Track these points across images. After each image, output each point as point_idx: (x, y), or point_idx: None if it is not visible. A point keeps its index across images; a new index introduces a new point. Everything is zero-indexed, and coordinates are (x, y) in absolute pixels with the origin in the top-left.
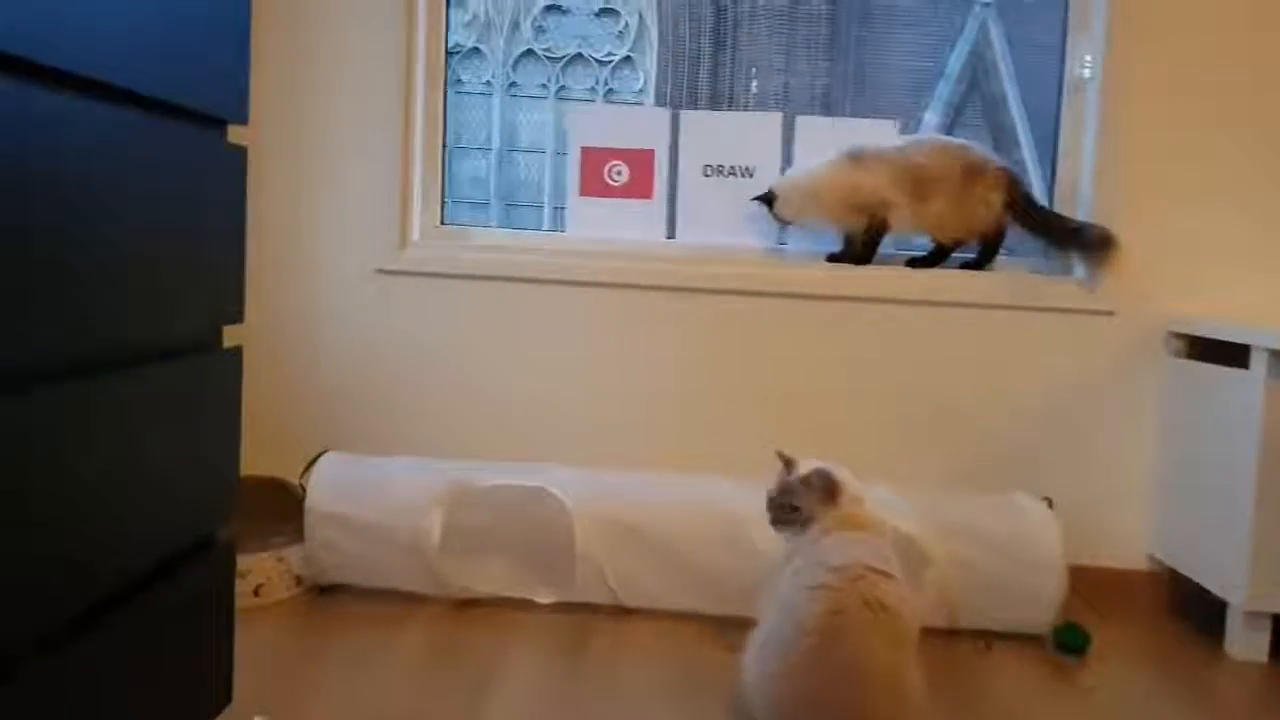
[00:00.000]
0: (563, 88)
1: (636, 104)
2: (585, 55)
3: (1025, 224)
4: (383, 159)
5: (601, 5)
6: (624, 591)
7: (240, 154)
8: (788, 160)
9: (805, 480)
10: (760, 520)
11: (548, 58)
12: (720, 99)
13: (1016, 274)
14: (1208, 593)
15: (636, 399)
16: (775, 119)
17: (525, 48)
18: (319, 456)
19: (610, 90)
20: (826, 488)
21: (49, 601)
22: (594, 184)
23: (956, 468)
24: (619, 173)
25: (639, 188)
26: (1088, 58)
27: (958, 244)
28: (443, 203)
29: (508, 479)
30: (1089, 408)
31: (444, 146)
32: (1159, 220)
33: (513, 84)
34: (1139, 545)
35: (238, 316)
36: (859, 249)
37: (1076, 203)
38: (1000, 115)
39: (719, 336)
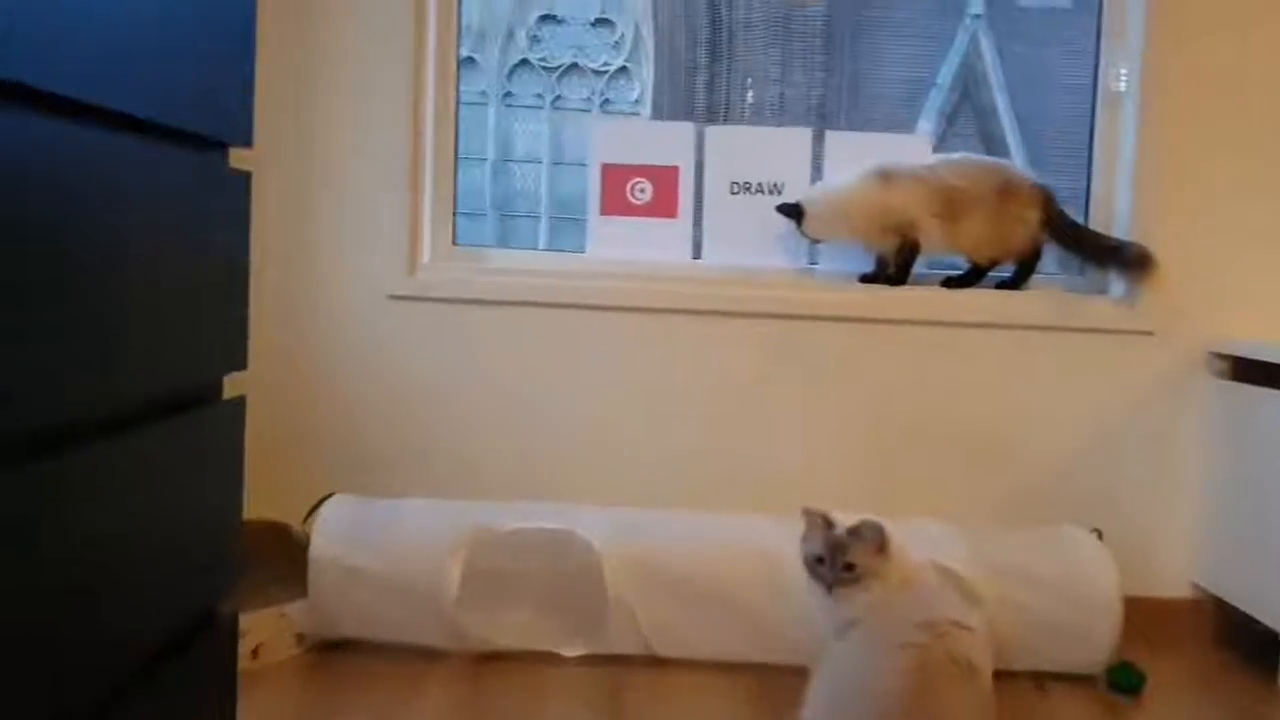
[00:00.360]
0: (559, 98)
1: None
2: (581, 65)
3: (1062, 242)
4: (391, 176)
5: (597, 15)
6: (658, 640)
7: (244, 179)
8: (818, 176)
9: (855, 533)
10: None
11: (543, 68)
12: (717, 109)
13: (1054, 293)
14: (1257, 622)
15: (665, 430)
16: (805, 134)
17: (520, 57)
18: (324, 499)
19: (607, 101)
20: (879, 540)
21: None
22: (616, 202)
23: (997, 495)
24: (642, 190)
25: (663, 206)
26: (1123, 70)
27: (994, 264)
28: (454, 222)
29: (531, 521)
30: (1130, 430)
31: (456, 163)
32: (1198, 237)
33: (508, 94)
34: (1182, 573)
35: (241, 363)
36: (892, 270)
37: (1112, 220)
38: (991, 124)
39: (749, 362)
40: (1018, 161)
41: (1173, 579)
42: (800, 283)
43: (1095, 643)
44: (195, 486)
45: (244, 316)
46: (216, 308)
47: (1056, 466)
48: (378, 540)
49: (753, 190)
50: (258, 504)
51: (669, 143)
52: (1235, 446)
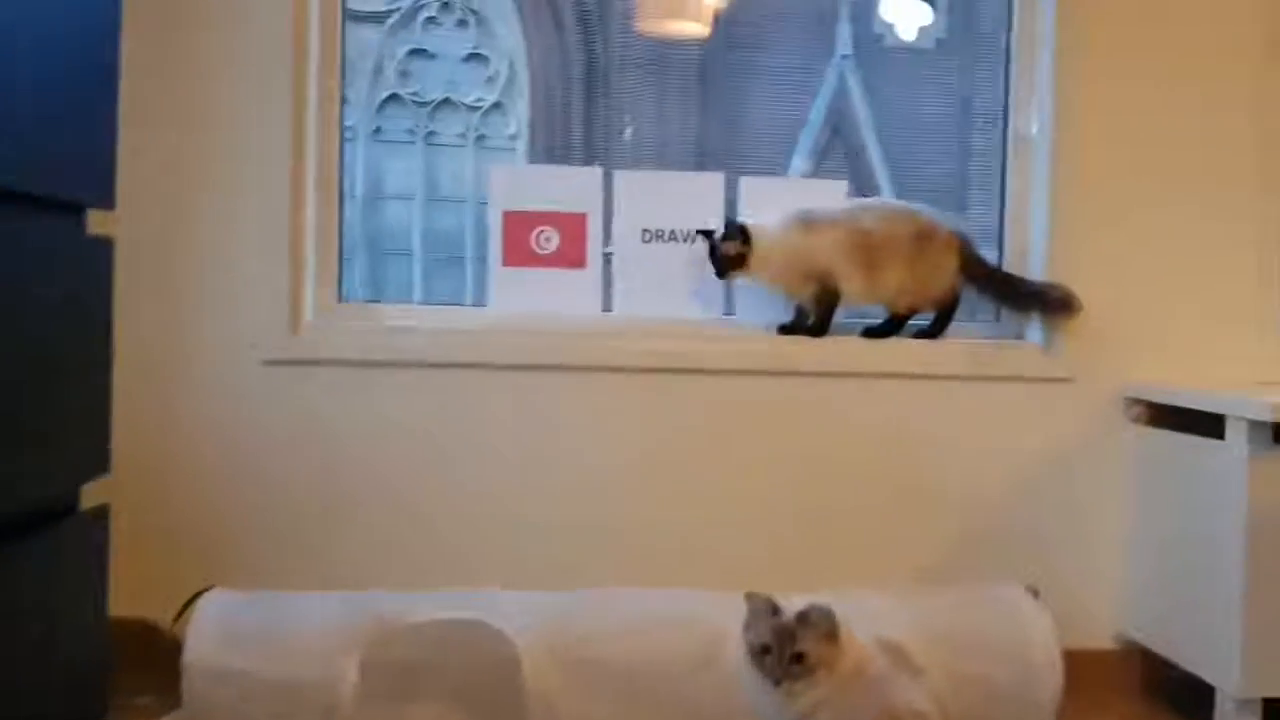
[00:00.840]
0: (431, 133)
1: (510, 149)
2: (454, 100)
3: (982, 288)
4: (268, 224)
5: (469, 51)
6: None
7: (105, 246)
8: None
9: (804, 619)
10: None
11: (414, 102)
12: (595, 146)
13: (973, 342)
14: (1186, 674)
15: (581, 501)
16: (717, 179)
17: (390, 92)
18: (199, 594)
19: (481, 136)
20: (829, 626)
21: None
22: (519, 252)
23: (923, 551)
24: (548, 239)
25: (571, 255)
26: (1035, 114)
27: (913, 312)
28: (340, 275)
29: (437, 611)
30: (1052, 479)
31: (341, 209)
32: (1114, 281)
33: (377, 129)
34: (1109, 623)
35: (103, 466)
36: (814, 320)
37: (1027, 265)
38: (860, 162)
39: (666, 421)
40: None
41: (1099, 630)
42: (717, 334)
43: (1039, 707)
44: (55, 600)
45: (105, 409)
46: (75, 404)
47: (981, 518)
48: (261, 640)
49: (665, 238)
50: (121, 600)
51: (576, 188)
52: (1155, 493)
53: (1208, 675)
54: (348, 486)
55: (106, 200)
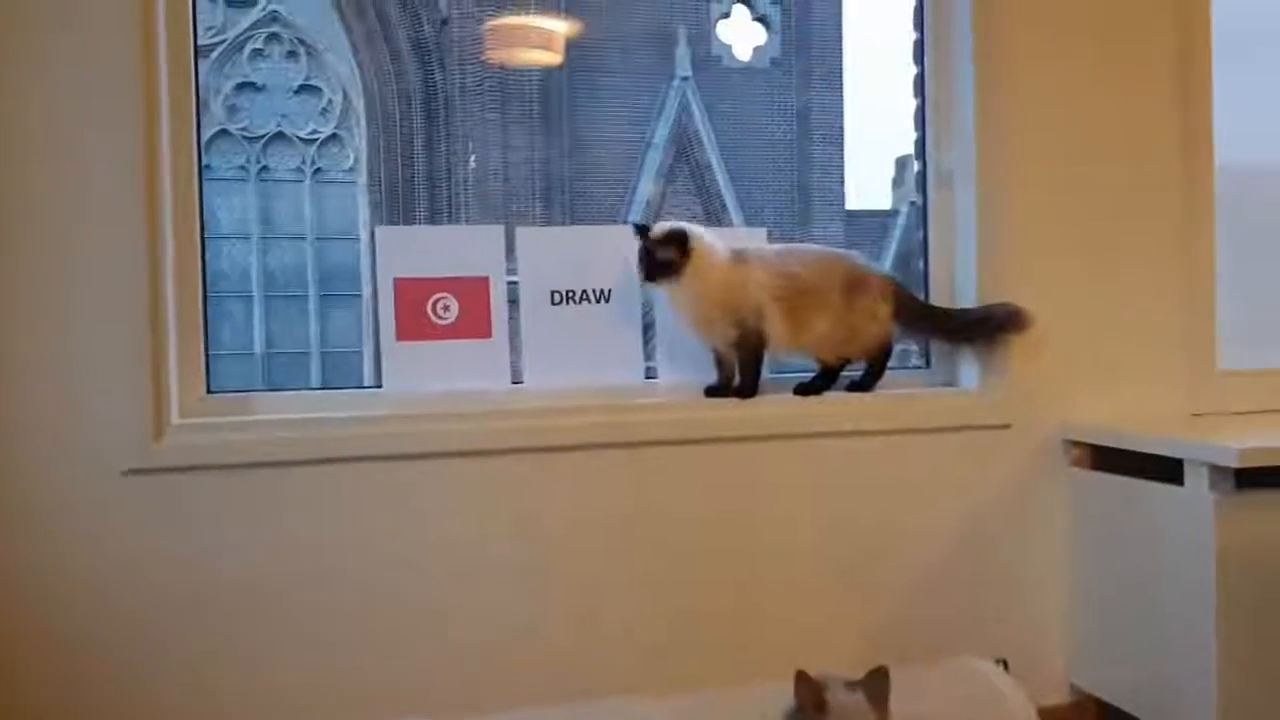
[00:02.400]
0: (264, 168)
1: (349, 183)
2: (287, 134)
3: (920, 330)
4: (122, 313)
5: (300, 83)
6: None
7: None
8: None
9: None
10: None
11: (245, 138)
12: (438, 175)
13: (907, 393)
14: None
15: (494, 609)
16: (627, 231)
17: (219, 128)
18: None
19: (319, 169)
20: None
21: None
22: (415, 324)
23: (867, 619)
24: (446, 308)
25: (473, 325)
26: (954, 150)
27: (845, 362)
28: (207, 366)
29: None
30: (995, 529)
31: (204, 287)
32: (1047, 322)
33: (206, 166)
34: (1057, 676)
35: None
36: (743, 377)
37: (954, 304)
38: (706, 180)
39: (591, 499)
40: (735, 214)
41: (1052, 684)
42: (640, 404)
43: None
44: None
45: None
46: None
47: (925, 577)
48: None
49: (577, 299)
50: None
51: (473, 249)
52: (1103, 540)
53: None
54: (224, 610)
55: None
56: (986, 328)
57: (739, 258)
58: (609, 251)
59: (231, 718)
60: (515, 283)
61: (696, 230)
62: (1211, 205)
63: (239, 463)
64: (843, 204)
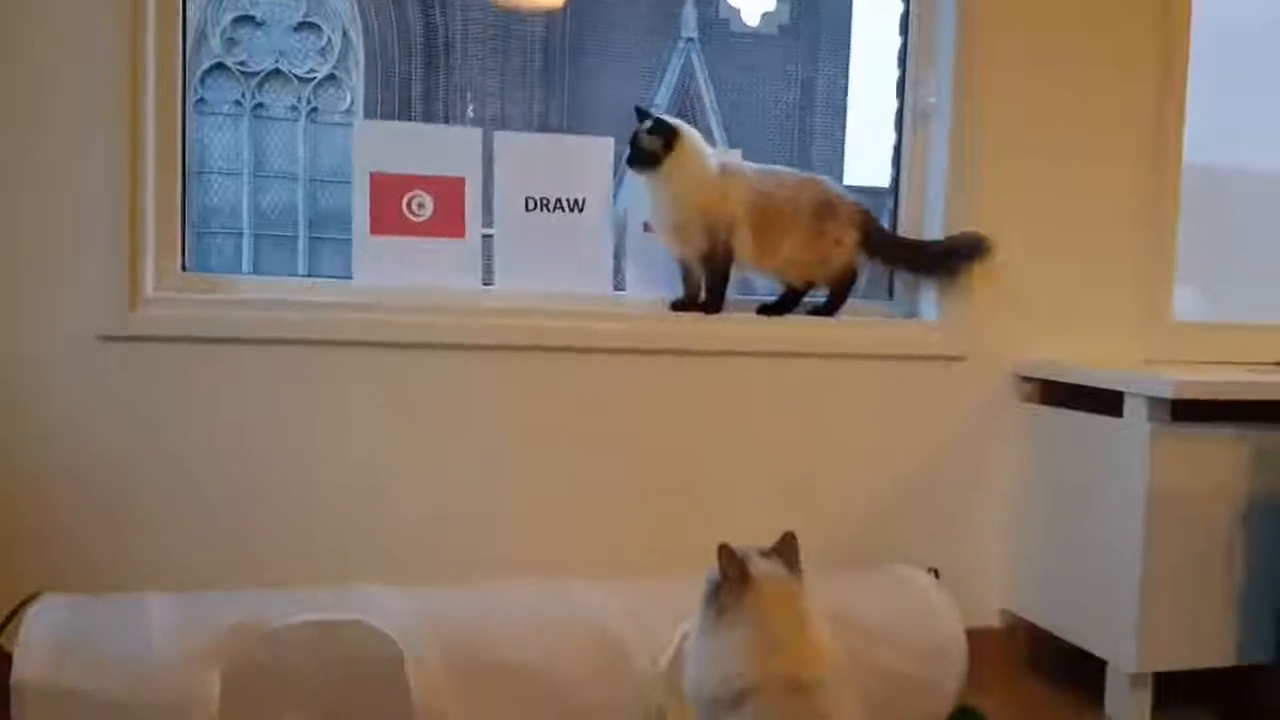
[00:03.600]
0: (259, 105)
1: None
2: (284, 71)
3: (888, 259)
4: (102, 183)
5: (300, 19)
6: None
7: None
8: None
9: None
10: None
11: (241, 73)
12: (435, 122)
13: (868, 320)
14: (1073, 649)
15: (463, 488)
16: (607, 144)
17: (215, 61)
18: (28, 601)
19: (315, 109)
20: None
21: None
22: (389, 219)
23: (815, 531)
24: (421, 205)
25: (448, 224)
26: (933, 88)
27: (810, 286)
28: (183, 244)
29: (309, 612)
30: (944, 457)
31: (184, 167)
32: (1008, 259)
33: (201, 100)
34: (991, 600)
35: None
36: (709, 292)
37: (920, 236)
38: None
39: (549, 404)
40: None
41: (982, 607)
42: (606, 312)
43: (944, 691)
44: None
45: None
46: None
47: (874, 497)
48: (104, 652)
49: (551, 207)
50: None
51: (451, 150)
52: (1047, 470)
53: (1100, 650)
54: (196, 476)
55: None
56: (950, 260)
57: (725, 171)
58: (586, 162)
59: (199, 572)
60: None
61: (688, 131)
62: (1179, 160)
63: (207, 336)
64: (843, 178)
